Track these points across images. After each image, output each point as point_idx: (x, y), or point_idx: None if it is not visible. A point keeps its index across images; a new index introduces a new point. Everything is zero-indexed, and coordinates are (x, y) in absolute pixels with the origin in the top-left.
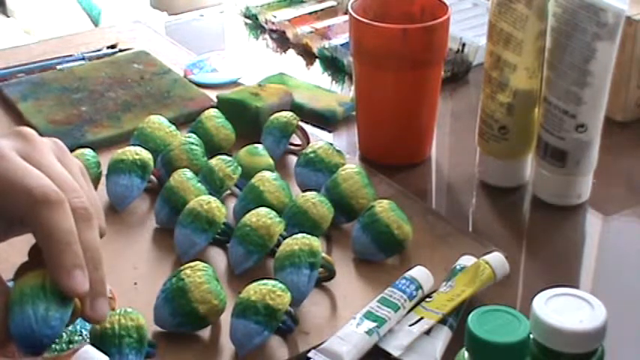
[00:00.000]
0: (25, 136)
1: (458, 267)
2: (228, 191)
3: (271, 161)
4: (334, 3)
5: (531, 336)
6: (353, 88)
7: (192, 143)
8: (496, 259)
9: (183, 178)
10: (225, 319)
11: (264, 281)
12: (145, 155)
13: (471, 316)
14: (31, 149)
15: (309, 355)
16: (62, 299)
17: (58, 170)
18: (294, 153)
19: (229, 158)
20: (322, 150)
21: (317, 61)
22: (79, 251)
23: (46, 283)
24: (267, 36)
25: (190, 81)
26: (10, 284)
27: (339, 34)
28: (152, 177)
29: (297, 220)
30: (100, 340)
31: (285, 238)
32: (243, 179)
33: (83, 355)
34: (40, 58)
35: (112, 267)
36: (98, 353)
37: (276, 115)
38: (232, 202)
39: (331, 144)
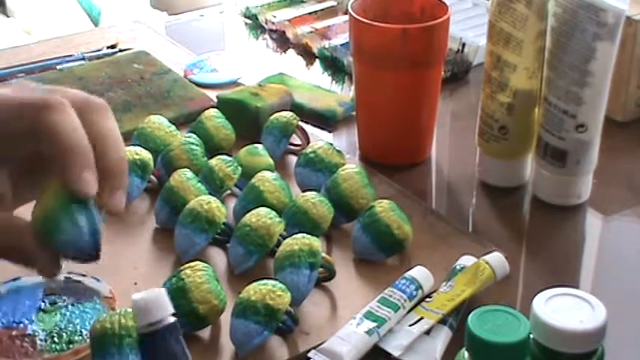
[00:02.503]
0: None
1: (458, 267)
2: (228, 191)
3: (271, 161)
4: (334, 3)
5: (531, 336)
6: (353, 88)
7: (192, 143)
8: (496, 259)
9: (183, 178)
10: (225, 319)
11: (264, 281)
12: (145, 155)
13: (471, 316)
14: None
15: (309, 355)
16: (84, 203)
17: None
18: (294, 153)
19: (229, 158)
20: (322, 150)
21: (317, 61)
22: (87, 152)
23: (64, 191)
24: (267, 36)
25: (190, 81)
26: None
27: (339, 34)
28: (152, 177)
29: (297, 220)
30: (100, 340)
31: (285, 238)
32: (243, 179)
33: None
34: (40, 58)
35: (112, 267)
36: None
37: (276, 115)
38: (232, 202)
39: (331, 144)
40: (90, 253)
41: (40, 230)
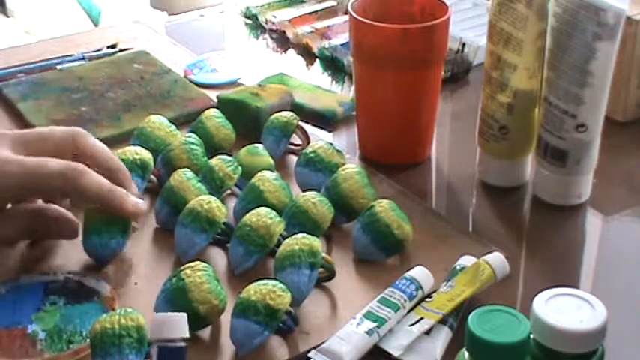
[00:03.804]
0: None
1: (458, 267)
2: (228, 191)
3: (271, 161)
4: (334, 3)
5: (531, 336)
6: (353, 88)
7: (192, 143)
8: (496, 259)
9: (183, 178)
10: (225, 319)
11: (264, 281)
12: (145, 155)
13: (471, 316)
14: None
15: (309, 355)
16: (124, 226)
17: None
18: (294, 153)
19: (229, 158)
20: (322, 150)
21: (317, 61)
22: (116, 190)
23: (107, 216)
24: (267, 36)
25: (190, 81)
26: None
27: (339, 34)
28: (152, 177)
29: (297, 220)
30: (100, 340)
31: (285, 238)
32: (243, 179)
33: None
34: (40, 58)
35: (112, 267)
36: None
37: (276, 115)
38: (232, 202)
39: (331, 144)
40: (102, 263)
41: (85, 229)
